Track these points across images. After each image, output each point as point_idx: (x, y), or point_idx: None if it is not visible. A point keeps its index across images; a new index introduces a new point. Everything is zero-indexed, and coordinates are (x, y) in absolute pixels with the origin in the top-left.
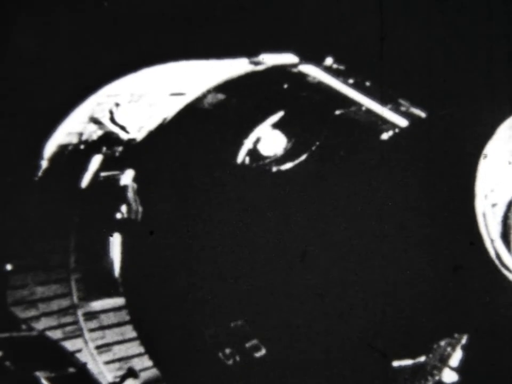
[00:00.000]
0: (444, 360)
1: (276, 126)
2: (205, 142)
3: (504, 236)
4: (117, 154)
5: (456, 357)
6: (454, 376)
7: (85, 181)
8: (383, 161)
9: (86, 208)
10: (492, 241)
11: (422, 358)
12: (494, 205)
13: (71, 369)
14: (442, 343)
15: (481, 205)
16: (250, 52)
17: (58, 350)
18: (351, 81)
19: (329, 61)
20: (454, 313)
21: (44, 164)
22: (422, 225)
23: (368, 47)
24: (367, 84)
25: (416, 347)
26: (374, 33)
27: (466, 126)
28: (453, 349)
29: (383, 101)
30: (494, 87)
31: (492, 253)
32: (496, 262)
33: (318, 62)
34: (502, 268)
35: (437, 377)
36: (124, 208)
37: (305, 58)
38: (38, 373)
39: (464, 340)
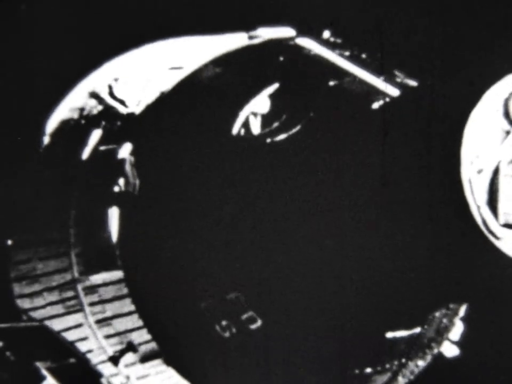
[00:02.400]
0: (441, 332)
1: (270, 97)
2: (201, 115)
3: (491, 203)
4: (116, 128)
5: (456, 331)
6: (455, 350)
7: (84, 155)
8: (374, 130)
9: (85, 183)
10: (478, 207)
11: (418, 330)
12: (479, 171)
13: (72, 360)
14: (438, 314)
15: (466, 172)
16: (249, 26)
17: (58, 341)
18: (347, 53)
19: (327, 34)
20: (446, 283)
21: (46, 139)
22: (411, 194)
23: (366, 20)
24: (363, 56)
25: (410, 318)
26: (373, 7)
27: (454, 93)
28: (450, 320)
29: (378, 72)
30: (484, 53)
31: (479, 220)
32: (483, 228)
33: (315, 35)
34: (488, 235)
35: (435, 350)
36: (121, 181)
37: (302, 32)
38: (38, 364)
39: (462, 312)
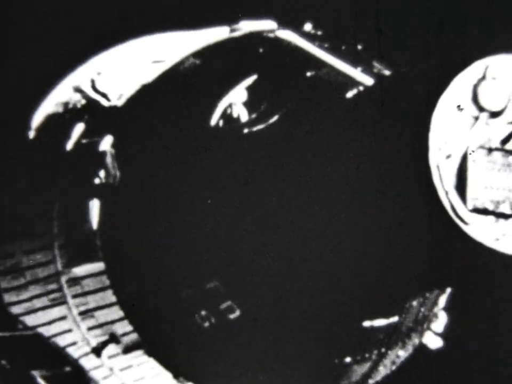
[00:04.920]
0: (420, 322)
1: (249, 89)
2: (181, 107)
3: (459, 188)
4: (98, 121)
5: (439, 322)
6: (438, 342)
7: (67, 149)
8: (348, 119)
9: (68, 175)
10: (447, 193)
11: (395, 319)
12: (448, 157)
13: (67, 368)
14: (415, 303)
15: (435, 157)
16: (231, 20)
17: (54, 349)
18: (326, 45)
19: (308, 26)
20: (418, 271)
21: (31, 133)
22: (382, 181)
23: (347, 13)
24: (343, 47)
25: (386, 307)
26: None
27: (424, 80)
28: (429, 310)
29: (356, 63)
30: (453, 39)
31: (447, 205)
32: (451, 213)
33: (296, 27)
34: (457, 220)
35: (416, 340)
36: (102, 173)
37: (284, 24)
38: (34, 372)
39: (443, 303)
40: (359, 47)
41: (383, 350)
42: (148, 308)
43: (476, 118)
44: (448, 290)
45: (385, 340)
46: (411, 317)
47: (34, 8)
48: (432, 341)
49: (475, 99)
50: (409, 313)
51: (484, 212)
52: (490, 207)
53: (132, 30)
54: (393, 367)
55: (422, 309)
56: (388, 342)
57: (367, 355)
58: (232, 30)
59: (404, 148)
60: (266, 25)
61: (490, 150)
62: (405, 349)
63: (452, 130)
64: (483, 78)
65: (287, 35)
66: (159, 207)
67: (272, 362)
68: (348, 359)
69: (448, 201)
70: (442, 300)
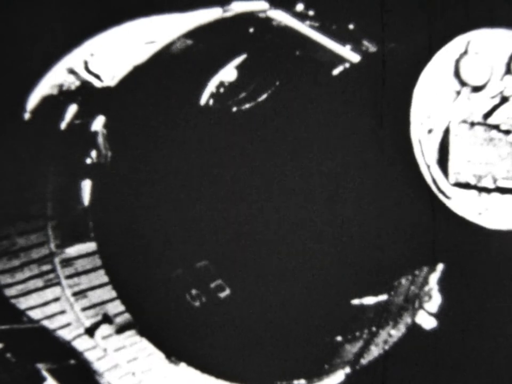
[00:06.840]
0: (411, 301)
1: (238, 68)
2: (172, 86)
3: (441, 162)
4: (91, 102)
5: (433, 302)
6: (432, 322)
7: (61, 129)
8: (336, 96)
9: (61, 156)
10: (428, 167)
11: (384, 297)
12: (430, 131)
13: (72, 361)
14: (404, 280)
15: (416, 132)
16: (224, 1)
17: (58, 342)
18: (317, 25)
19: (300, 7)
20: (404, 248)
21: (26, 115)
22: (365, 158)
23: None
24: (334, 27)
25: (375, 284)
26: None
27: (407, 56)
28: (419, 288)
29: (346, 42)
30: (435, 15)
31: (429, 179)
32: (433, 187)
33: (288, 8)
34: (438, 194)
35: (408, 319)
36: (93, 153)
37: (275, 5)
38: (39, 365)
39: (434, 282)
40: (350, 26)
41: (374, 329)
42: (139, 288)
43: (458, 93)
44: (439, 268)
45: (376, 319)
46: (401, 295)
47: None
48: (426, 321)
49: (457, 74)
50: (398, 291)
51: (466, 186)
52: (473, 181)
53: (127, 13)
54: (386, 347)
55: (412, 287)
56: (379, 321)
57: (358, 334)
58: (225, 11)
59: (388, 123)
60: (257, 5)
61: (472, 124)
62: (397, 328)
63: (434, 104)
64: (465, 52)
65: (278, 15)
66: (150, 187)
67: (263, 341)
68: (338, 338)
69: (430, 176)
70: (434, 279)
